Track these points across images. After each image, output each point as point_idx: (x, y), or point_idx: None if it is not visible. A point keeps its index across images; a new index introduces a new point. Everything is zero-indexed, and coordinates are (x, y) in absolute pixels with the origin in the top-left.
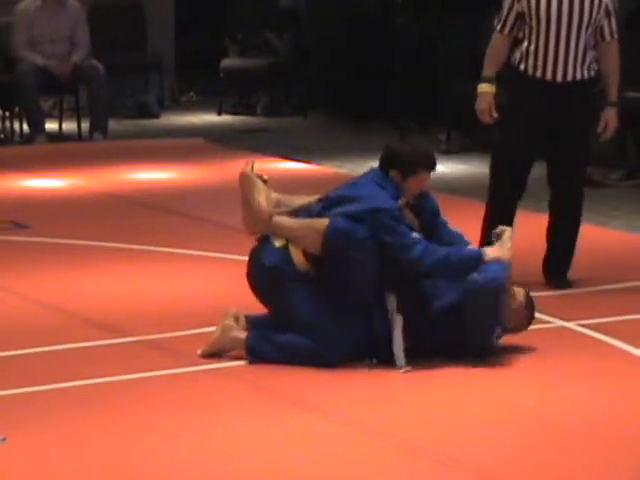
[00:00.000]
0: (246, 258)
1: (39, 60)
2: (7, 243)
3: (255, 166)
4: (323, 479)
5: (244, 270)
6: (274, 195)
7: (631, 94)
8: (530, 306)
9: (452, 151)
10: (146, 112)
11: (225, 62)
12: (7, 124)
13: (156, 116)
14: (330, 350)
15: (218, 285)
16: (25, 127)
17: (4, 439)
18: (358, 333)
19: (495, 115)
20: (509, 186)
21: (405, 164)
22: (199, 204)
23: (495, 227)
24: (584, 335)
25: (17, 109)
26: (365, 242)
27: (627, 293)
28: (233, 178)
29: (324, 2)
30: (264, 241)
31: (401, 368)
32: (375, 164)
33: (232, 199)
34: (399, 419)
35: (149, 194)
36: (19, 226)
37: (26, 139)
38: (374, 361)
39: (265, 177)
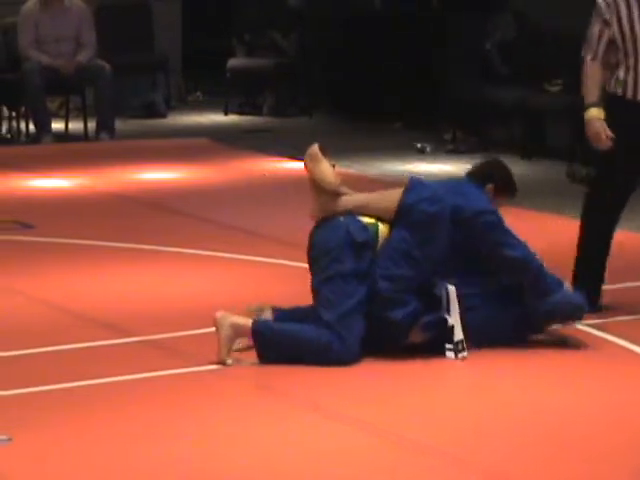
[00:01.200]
0: (251, 258)
1: (45, 59)
2: (12, 243)
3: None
4: (328, 479)
5: (250, 270)
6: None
7: None
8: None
9: (459, 151)
10: (153, 112)
11: (232, 62)
12: (13, 124)
13: (163, 116)
14: (343, 349)
15: (223, 285)
16: (31, 127)
17: (10, 439)
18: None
19: (611, 136)
20: (611, 209)
21: (507, 183)
22: (205, 204)
23: (593, 250)
24: (589, 334)
25: (23, 109)
26: (440, 200)
27: (633, 292)
28: (239, 178)
29: (327, 2)
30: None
31: (460, 354)
32: (382, 164)
33: (238, 199)
34: (404, 418)
35: (155, 194)
36: (24, 226)
37: (32, 139)
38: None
39: (332, 163)
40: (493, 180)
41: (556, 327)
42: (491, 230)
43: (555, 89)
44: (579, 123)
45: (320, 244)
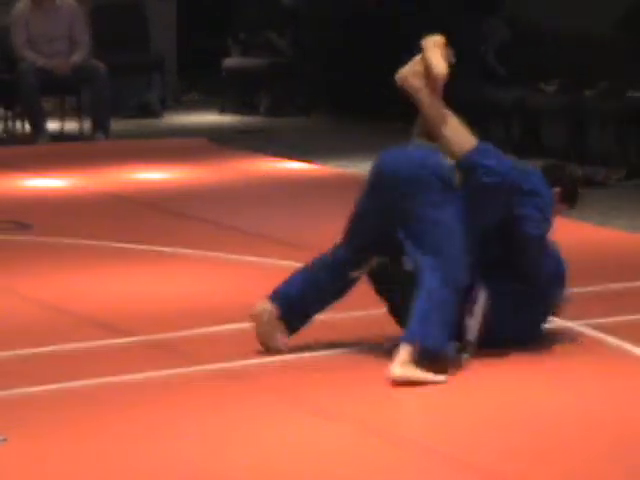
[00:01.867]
0: (248, 258)
1: (40, 60)
2: (9, 243)
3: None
4: (328, 479)
5: (246, 270)
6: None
7: (632, 94)
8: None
9: None
10: (148, 112)
11: (227, 62)
12: (9, 124)
13: (158, 116)
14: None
15: (220, 285)
16: (27, 127)
17: (5, 439)
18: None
19: None
20: None
21: (573, 193)
22: (201, 204)
23: None
24: (585, 335)
25: (19, 109)
26: (500, 174)
27: (628, 293)
28: (235, 178)
29: (324, 1)
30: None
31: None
32: None
33: (235, 199)
34: (405, 420)
35: (151, 194)
36: (21, 226)
37: (28, 139)
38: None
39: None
40: (562, 184)
41: (555, 326)
42: (530, 238)
43: (552, 89)
44: (575, 123)
45: (404, 172)
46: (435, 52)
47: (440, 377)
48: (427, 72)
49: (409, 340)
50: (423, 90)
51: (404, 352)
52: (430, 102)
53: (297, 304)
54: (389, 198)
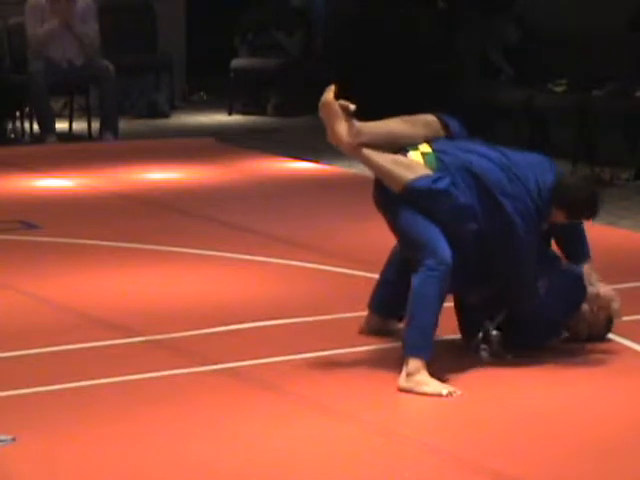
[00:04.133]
0: (256, 258)
1: (48, 25)
2: (17, 243)
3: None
4: (330, 478)
5: (254, 270)
6: (357, 125)
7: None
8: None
9: None
10: (156, 112)
11: (235, 62)
12: (17, 124)
13: (166, 116)
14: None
15: (228, 285)
16: (35, 127)
17: (14, 439)
18: None
19: None
20: None
21: (570, 205)
22: (209, 204)
23: None
24: None
25: (27, 109)
26: (447, 194)
27: (636, 292)
28: (244, 178)
29: (335, 2)
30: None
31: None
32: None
33: (242, 199)
34: (410, 419)
35: (159, 194)
36: (29, 226)
37: (36, 139)
38: None
39: (351, 107)
40: (558, 198)
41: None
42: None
43: (560, 89)
44: (584, 123)
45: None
46: (336, 124)
47: (444, 390)
48: (338, 144)
49: (413, 353)
50: (351, 154)
51: (411, 363)
52: (366, 159)
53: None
54: None
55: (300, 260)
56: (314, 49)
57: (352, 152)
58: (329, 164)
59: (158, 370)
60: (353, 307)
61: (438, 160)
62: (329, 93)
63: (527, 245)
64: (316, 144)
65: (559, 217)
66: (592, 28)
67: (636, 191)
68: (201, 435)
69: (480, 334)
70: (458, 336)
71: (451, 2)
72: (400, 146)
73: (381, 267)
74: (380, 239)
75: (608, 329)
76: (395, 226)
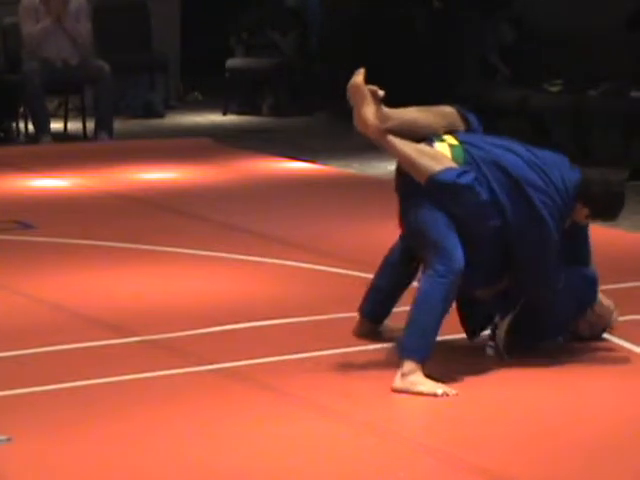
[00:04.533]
0: (251, 258)
1: (40, 25)
2: (12, 243)
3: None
4: (328, 478)
5: (250, 270)
6: (385, 110)
7: (636, 94)
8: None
9: None
10: (151, 112)
11: (230, 62)
12: (12, 124)
13: (161, 116)
14: None
15: (223, 285)
16: (30, 127)
17: (10, 439)
18: None
19: None
20: None
21: (594, 203)
22: (204, 204)
23: None
24: None
25: (22, 109)
26: (470, 189)
27: (632, 293)
28: (239, 178)
29: (331, 2)
30: None
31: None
32: (383, 164)
33: (238, 199)
34: (406, 419)
35: (154, 194)
36: (24, 226)
37: (31, 139)
38: None
39: (380, 92)
40: (583, 195)
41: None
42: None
43: (556, 89)
44: (579, 123)
45: None
46: (364, 108)
47: (439, 389)
48: (364, 130)
49: (409, 355)
50: (377, 141)
51: (406, 364)
52: (392, 146)
53: None
54: None
55: (296, 260)
56: (309, 49)
57: (377, 137)
58: (325, 164)
59: (154, 370)
60: (349, 307)
61: (466, 153)
62: (359, 76)
63: (553, 240)
64: (312, 144)
65: (581, 215)
66: (590, 28)
67: (632, 192)
68: (197, 435)
69: (489, 330)
70: (454, 336)
71: (447, 2)
72: (420, 136)
73: (377, 268)
74: (376, 239)
75: (601, 335)
76: (412, 219)
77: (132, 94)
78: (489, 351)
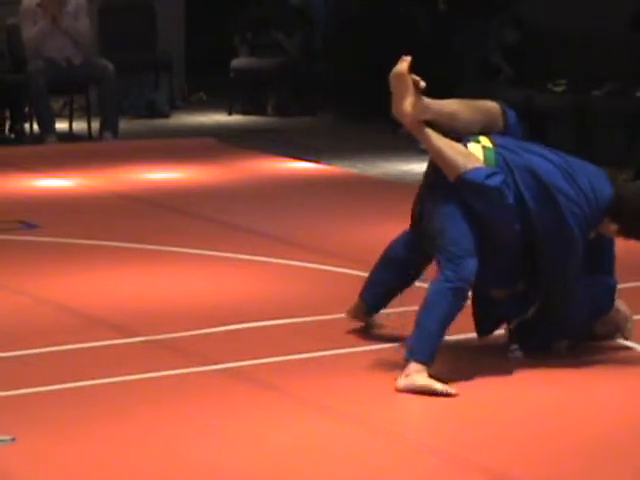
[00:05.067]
0: (255, 258)
1: (40, 24)
2: (17, 243)
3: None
4: (330, 478)
5: (254, 269)
6: (425, 101)
7: None
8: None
9: None
10: (156, 112)
11: (235, 62)
12: (24, 125)
13: (166, 116)
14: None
15: (227, 285)
16: (35, 127)
17: (14, 439)
18: None
19: None
20: None
21: (626, 220)
22: (209, 204)
23: None
24: None
25: (27, 109)
26: (498, 191)
27: (636, 292)
28: (243, 178)
29: (336, 2)
30: None
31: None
32: (385, 164)
33: (242, 199)
34: (409, 419)
35: (159, 194)
36: (28, 226)
37: (36, 139)
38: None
39: (422, 83)
40: (615, 209)
41: None
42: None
43: (559, 89)
44: (583, 123)
45: None
46: (404, 96)
47: (443, 388)
48: (401, 118)
49: (415, 358)
50: (412, 130)
51: (411, 366)
52: (427, 140)
53: None
54: None
55: (300, 260)
56: (313, 49)
57: (414, 128)
58: (329, 164)
59: (158, 370)
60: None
61: (498, 155)
62: (403, 64)
63: (577, 248)
64: (316, 144)
65: (610, 229)
66: (592, 28)
67: None
68: (201, 435)
69: (508, 331)
70: (458, 337)
71: (451, 3)
72: (456, 130)
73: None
74: (380, 239)
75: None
76: (432, 214)
77: (137, 94)
78: (517, 354)
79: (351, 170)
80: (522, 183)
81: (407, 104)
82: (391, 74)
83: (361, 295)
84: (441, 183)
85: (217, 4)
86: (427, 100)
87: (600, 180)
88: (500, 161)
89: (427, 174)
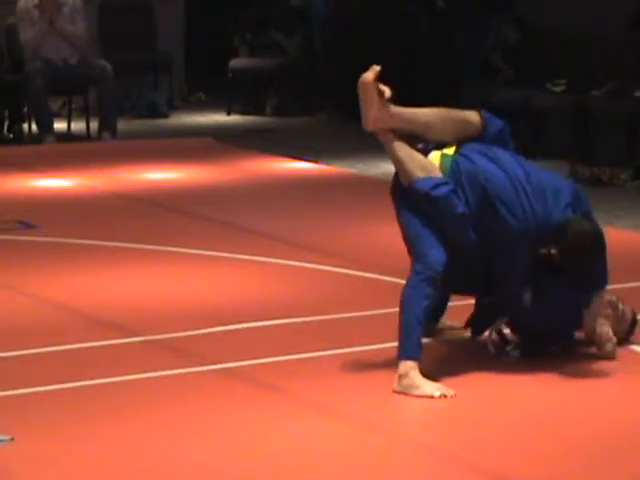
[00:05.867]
0: (255, 258)
1: (36, 28)
2: (16, 243)
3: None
4: (331, 478)
5: (253, 269)
6: (395, 110)
7: (639, 94)
8: (633, 324)
9: None
10: (155, 112)
11: (234, 62)
12: (22, 125)
13: (165, 116)
14: None
15: (227, 285)
16: (34, 127)
17: (13, 439)
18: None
19: None
20: None
21: (562, 251)
22: (208, 204)
23: None
24: None
25: (26, 109)
26: (445, 200)
27: (635, 292)
28: (242, 178)
29: (336, 2)
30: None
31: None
32: (385, 165)
33: (241, 199)
34: (408, 419)
35: (158, 194)
36: (27, 226)
37: (35, 139)
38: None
39: (387, 93)
40: (559, 239)
41: None
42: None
43: (559, 89)
44: (582, 123)
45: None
46: (367, 107)
47: (437, 392)
48: (365, 126)
49: (401, 356)
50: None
51: (400, 365)
52: (389, 147)
53: None
54: None
55: (300, 260)
56: (313, 49)
57: (380, 135)
58: (328, 164)
59: (157, 370)
60: (353, 307)
61: (453, 163)
62: (370, 73)
63: (519, 262)
64: (315, 144)
65: (556, 254)
66: (592, 28)
67: (635, 191)
68: (200, 434)
69: (496, 332)
70: (453, 337)
71: (450, 2)
72: (430, 138)
73: (380, 268)
74: (380, 240)
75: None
76: (398, 220)
77: (136, 94)
78: (514, 354)
79: (350, 170)
80: (469, 192)
81: (369, 114)
82: (358, 83)
83: None
84: (401, 194)
85: (217, 5)
86: (397, 109)
87: (557, 203)
88: (454, 168)
89: (391, 189)
